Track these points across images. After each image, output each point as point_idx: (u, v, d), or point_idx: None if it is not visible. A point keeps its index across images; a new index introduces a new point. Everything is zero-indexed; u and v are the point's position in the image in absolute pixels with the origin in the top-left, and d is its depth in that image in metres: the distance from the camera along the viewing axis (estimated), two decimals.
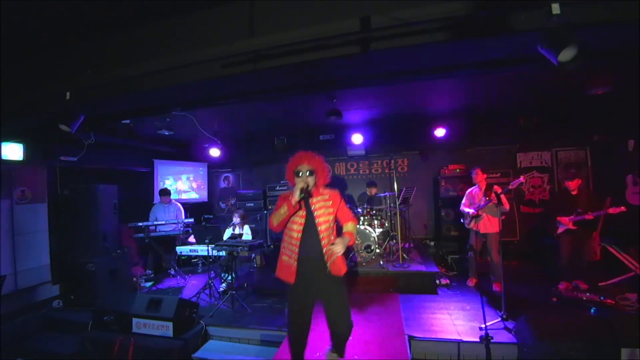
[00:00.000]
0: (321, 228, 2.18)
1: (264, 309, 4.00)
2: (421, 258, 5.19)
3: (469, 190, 4.50)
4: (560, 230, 4.08)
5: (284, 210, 2.14)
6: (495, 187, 4.13)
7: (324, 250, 2.16)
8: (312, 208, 2.21)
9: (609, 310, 3.36)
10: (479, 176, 4.29)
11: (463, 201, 4.51)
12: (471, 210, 4.33)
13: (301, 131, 6.72)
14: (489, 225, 4.15)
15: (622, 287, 3.97)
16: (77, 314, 4.07)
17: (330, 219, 2.22)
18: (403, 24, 2.01)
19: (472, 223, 4.31)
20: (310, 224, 2.19)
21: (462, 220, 4.59)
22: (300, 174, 2.19)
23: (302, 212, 2.20)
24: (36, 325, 4.11)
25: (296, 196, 2.07)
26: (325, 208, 2.22)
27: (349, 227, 2.30)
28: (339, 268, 2.20)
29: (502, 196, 3.90)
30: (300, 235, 2.17)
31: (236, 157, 7.71)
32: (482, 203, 4.15)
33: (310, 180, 2.19)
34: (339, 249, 2.09)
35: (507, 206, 4.01)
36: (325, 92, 4.07)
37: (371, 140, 6.65)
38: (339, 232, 2.33)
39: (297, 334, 2.28)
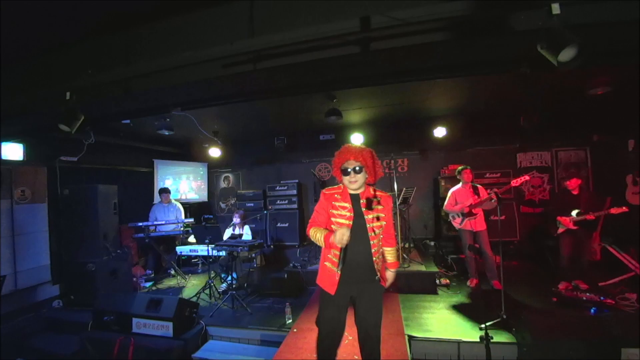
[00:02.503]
0: (372, 234, 1.94)
1: (264, 309, 4.01)
2: (421, 258, 5.19)
3: (454, 189, 4.52)
4: (560, 230, 4.08)
5: (321, 239, 1.93)
6: (480, 187, 4.29)
7: (374, 260, 1.96)
8: (363, 210, 1.98)
9: (609, 310, 3.36)
10: (470, 176, 4.36)
11: (448, 201, 4.51)
12: (455, 209, 4.36)
13: (301, 131, 6.72)
14: (478, 223, 4.25)
15: (622, 287, 3.97)
16: (77, 314, 4.08)
17: (381, 225, 1.98)
18: (403, 24, 2.01)
19: (465, 222, 4.33)
20: (359, 229, 1.94)
21: (451, 220, 4.58)
22: (349, 170, 1.96)
23: (349, 213, 1.96)
24: (36, 325, 4.11)
25: (337, 239, 1.78)
26: (377, 212, 1.98)
27: (390, 254, 2.11)
28: (384, 277, 2.12)
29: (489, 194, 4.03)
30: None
31: (236, 157, 7.70)
32: (475, 202, 4.19)
33: (360, 178, 1.97)
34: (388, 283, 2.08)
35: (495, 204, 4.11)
36: (325, 92, 4.07)
37: (371, 140, 6.64)
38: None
39: (331, 344, 2.08)
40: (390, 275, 2.10)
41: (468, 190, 4.35)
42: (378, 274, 1.99)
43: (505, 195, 4.12)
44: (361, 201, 1.99)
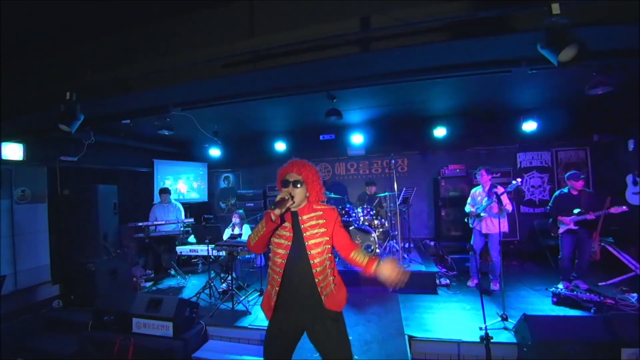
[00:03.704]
0: (312, 252, 1.77)
1: None
2: (421, 258, 5.19)
3: (473, 190, 4.51)
4: (561, 230, 4.09)
5: (261, 225, 1.79)
6: (499, 187, 4.17)
7: (317, 281, 1.76)
8: (302, 227, 1.82)
9: (609, 310, 3.36)
10: (484, 177, 4.30)
11: (468, 201, 4.53)
12: (472, 209, 4.34)
13: (301, 131, 6.72)
14: (491, 225, 4.16)
15: (622, 287, 3.98)
16: (77, 314, 4.08)
17: (324, 241, 1.82)
18: (403, 24, 2.01)
19: (475, 222, 4.32)
20: (298, 248, 1.79)
21: (466, 220, 4.58)
22: (289, 182, 1.82)
23: (289, 233, 1.82)
24: (36, 325, 4.11)
25: (275, 209, 1.69)
26: (318, 227, 1.82)
27: (360, 254, 1.84)
28: (338, 302, 1.82)
29: (504, 197, 3.93)
30: (284, 261, 1.78)
31: (236, 157, 7.71)
32: (484, 203, 4.16)
33: (299, 193, 1.81)
34: (397, 273, 1.70)
35: (509, 207, 4.01)
36: (325, 92, 4.07)
37: (371, 140, 6.64)
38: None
39: None
40: (384, 270, 1.74)
41: (483, 192, 4.31)
42: (323, 299, 1.76)
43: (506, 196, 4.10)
44: (300, 218, 1.85)
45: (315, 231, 1.82)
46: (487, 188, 4.28)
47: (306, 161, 1.91)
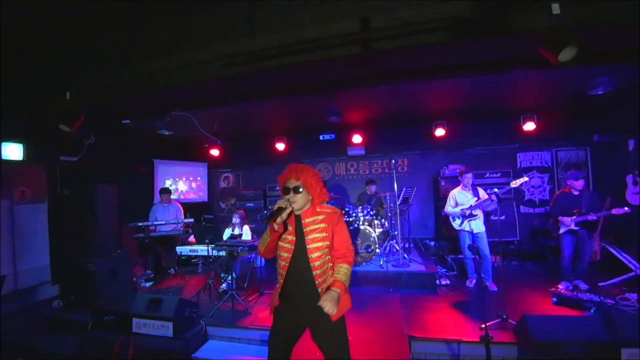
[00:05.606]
0: (313, 256, 1.80)
1: (263, 309, 4.00)
2: (421, 258, 5.19)
3: (454, 191, 4.49)
4: (562, 230, 4.08)
5: (266, 235, 1.84)
6: (479, 189, 4.32)
7: (317, 283, 1.80)
8: (304, 231, 1.85)
9: (609, 310, 3.36)
10: (472, 179, 4.36)
11: (450, 203, 4.46)
12: (466, 211, 4.33)
13: (301, 131, 6.73)
14: (480, 224, 4.25)
15: (622, 287, 3.97)
16: (77, 314, 4.07)
17: (324, 245, 1.84)
18: (403, 24, 2.01)
19: (465, 223, 4.33)
20: (301, 251, 1.82)
21: (451, 221, 4.52)
22: (289, 189, 1.85)
23: (292, 237, 1.85)
24: (36, 325, 4.11)
25: (270, 221, 1.75)
26: (318, 232, 1.84)
27: (340, 272, 1.82)
28: (339, 307, 1.75)
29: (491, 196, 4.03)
30: (287, 264, 1.83)
31: (236, 157, 7.71)
32: (478, 203, 4.19)
33: (300, 199, 1.84)
34: (330, 309, 1.67)
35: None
36: (325, 92, 4.07)
37: (371, 140, 6.65)
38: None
39: None
40: (330, 296, 1.70)
41: (467, 192, 4.34)
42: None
43: (505, 195, 4.12)
44: (303, 221, 1.88)
45: (316, 235, 1.84)
46: (468, 188, 4.36)
47: (304, 165, 1.93)
